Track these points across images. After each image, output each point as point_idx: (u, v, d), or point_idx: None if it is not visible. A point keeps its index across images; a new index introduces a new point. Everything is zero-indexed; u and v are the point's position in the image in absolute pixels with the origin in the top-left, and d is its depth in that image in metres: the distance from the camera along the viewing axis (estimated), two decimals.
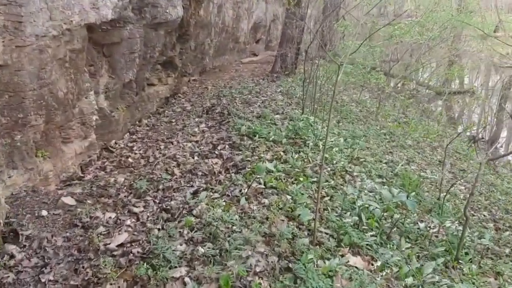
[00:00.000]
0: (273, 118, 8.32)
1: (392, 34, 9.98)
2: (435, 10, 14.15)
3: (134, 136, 7.62)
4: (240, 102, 9.51)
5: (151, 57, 8.38)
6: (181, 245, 3.85)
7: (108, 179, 5.46)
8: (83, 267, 3.57)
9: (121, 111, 7.48)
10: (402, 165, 7.66)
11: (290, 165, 6.04)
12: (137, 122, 8.47)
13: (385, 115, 11.87)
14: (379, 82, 11.05)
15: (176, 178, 5.57)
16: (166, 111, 9.35)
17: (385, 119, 11.52)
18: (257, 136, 7.05)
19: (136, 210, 4.55)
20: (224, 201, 4.72)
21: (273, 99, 9.90)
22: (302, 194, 5.16)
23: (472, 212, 6.49)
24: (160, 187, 5.19)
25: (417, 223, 5.24)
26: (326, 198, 5.32)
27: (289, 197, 5.06)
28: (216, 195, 4.86)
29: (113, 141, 7.07)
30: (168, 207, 4.59)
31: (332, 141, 7.36)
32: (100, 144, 6.90)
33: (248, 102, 9.52)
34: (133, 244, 3.87)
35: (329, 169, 6.34)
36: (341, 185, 5.94)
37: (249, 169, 5.69)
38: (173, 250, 3.73)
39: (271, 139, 6.97)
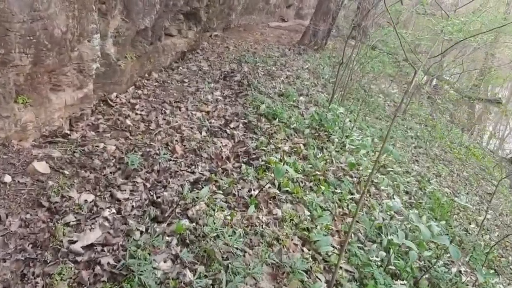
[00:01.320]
0: (297, 99, 7.28)
1: (444, 29, 8.74)
2: (485, 10, 12.78)
3: (139, 91, 6.60)
4: (262, 73, 8.43)
5: (174, 4, 7.26)
6: (165, 261, 2.93)
7: (96, 144, 4.48)
8: (33, 273, 2.66)
9: (130, 61, 6.43)
10: (430, 181, 6.71)
11: (310, 165, 5.07)
12: (146, 75, 7.43)
13: (412, 113, 10.78)
14: (417, 80, 9.87)
15: (177, 157, 4.59)
16: (180, 67, 8.28)
17: (412, 118, 10.44)
18: (277, 119, 6.03)
19: (120, 195, 3.60)
20: (229, 204, 3.77)
21: (298, 76, 8.80)
22: (322, 208, 4.22)
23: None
24: (155, 167, 4.22)
25: (449, 267, 4.32)
26: (349, 219, 4.38)
27: (307, 212, 4.11)
28: (220, 193, 3.90)
29: (115, 93, 6.06)
30: (160, 199, 3.64)
31: (359, 140, 6.35)
32: (99, 95, 5.90)
33: (271, 75, 8.44)
34: (104, 249, 2.94)
35: (353, 174, 5.38)
36: (366, 198, 5.00)
37: (263, 162, 4.72)
38: (154, 268, 2.81)
39: (292, 126, 5.96)
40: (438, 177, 7.38)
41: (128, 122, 5.28)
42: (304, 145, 5.63)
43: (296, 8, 19.98)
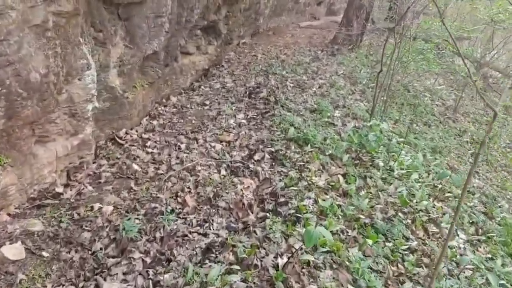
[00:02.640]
0: (332, 114, 6.25)
1: (494, 17, 7.43)
2: None
3: (154, 122, 5.80)
4: (291, 85, 7.44)
5: (187, 21, 6.41)
6: None
7: (91, 204, 3.68)
8: None
9: (140, 90, 5.64)
10: (495, 199, 5.52)
11: (352, 205, 4.06)
12: (163, 100, 6.64)
13: (464, 111, 9.43)
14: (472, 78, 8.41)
15: (187, 212, 3.72)
16: (202, 87, 7.44)
17: (464, 118, 9.12)
18: (309, 145, 5.05)
19: (106, 286, 2.77)
20: (248, 285, 2.84)
21: (332, 84, 7.74)
22: (371, 269, 3.22)
23: None
24: (159, 233, 3.36)
25: None
26: (403, 279, 3.35)
27: (349, 277, 3.13)
28: (237, 268, 2.98)
29: (124, 129, 5.29)
30: (159, 285, 2.78)
31: (408, 158, 5.25)
32: (106, 134, 5.15)
33: (302, 86, 7.43)
34: None
35: (406, 211, 4.32)
36: (424, 243, 3.94)
37: (293, 211, 3.77)
38: None
39: (328, 152, 4.96)
40: (503, 190, 6.14)
41: (135, 166, 4.46)
42: (344, 175, 4.62)
43: (328, 4, 18.77)
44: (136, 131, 5.39)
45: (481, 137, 7.91)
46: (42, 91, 3.65)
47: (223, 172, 4.47)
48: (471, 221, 4.68)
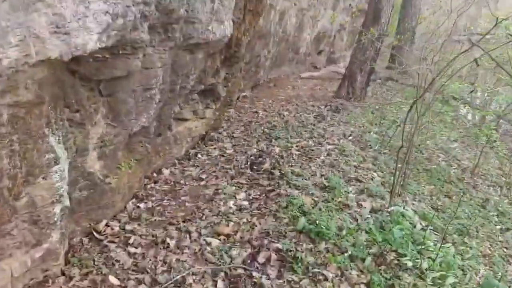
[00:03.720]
0: (346, 191, 5.44)
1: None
2: None
3: (141, 205, 4.98)
4: (297, 153, 6.66)
5: (182, 88, 5.69)
6: None
7: None
8: None
9: (125, 171, 4.84)
10: None
11: None
12: (154, 174, 5.85)
13: (483, 172, 8.62)
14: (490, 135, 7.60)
15: None
16: (199, 155, 6.67)
17: (483, 181, 8.29)
18: (324, 241, 4.20)
19: None
20: None
21: (341, 151, 6.96)
22: None
23: None
24: None
25: None
26: None
27: None
28: None
29: (104, 221, 4.45)
30: None
31: (438, 255, 4.37)
32: (83, 228, 4.32)
33: (308, 154, 6.65)
34: None
35: None
36: None
37: None
38: None
39: (347, 253, 4.10)
40: None
41: (112, 279, 3.59)
42: (367, 284, 3.74)
43: (328, 53, 18.39)
44: (119, 222, 4.55)
45: (504, 206, 7.08)
46: None
47: (220, 285, 3.60)
48: None
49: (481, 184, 7.96)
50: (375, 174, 6.33)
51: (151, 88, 4.68)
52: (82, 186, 4.19)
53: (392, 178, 6.22)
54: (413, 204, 5.74)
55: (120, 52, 3.90)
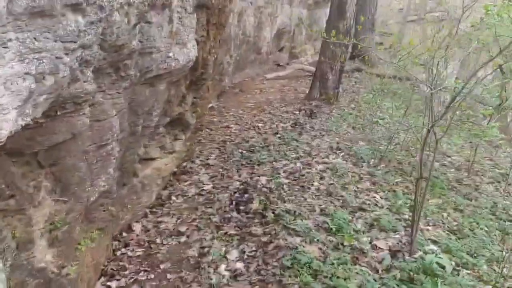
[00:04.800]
0: (355, 229, 4.58)
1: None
2: None
3: (112, 286, 3.94)
4: (286, 181, 5.76)
5: (145, 127, 4.65)
6: None
7: None
8: None
9: (87, 248, 3.78)
10: None
11: None
12: (123, 234, 4.80)
13: (478, 169, 7.97)
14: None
15: None
16: (173, 196, 5.67)
17: (481, 178, 7.63)
18: None
19: None
20: None
21: (334, 171, 6.10)
22: None
23: None
24: None
25: None
26: None
27: None
28: None
29: None
30: None
31: None
32: None
33: (299, 181, 5.76)
34: None
35: None
36: None
37: None
38: None
39: None
40: None
41: None
42: None
43: (289, 48, 17.52)
44: None
45: None
46: None
47: None
48: None
49: (480, 183, 7.31)
50: (377, 196, 5.52)
51: (107, 144, 3.64)
52: (34, 285, 3.13)
53: (398, 201, 5.44)
54: (428, 230, 4.96)
55: (59, 113, 2.84)
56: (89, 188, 3.56)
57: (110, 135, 3.64)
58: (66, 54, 2.39)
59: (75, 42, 2.42)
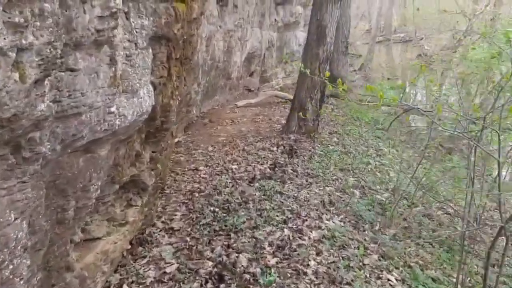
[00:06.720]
0: None
1: None
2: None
3: None
4: (274, 260, 4.39)
5: (80, 208, 3.19)
6: None
7: None
8: None
9: None
10: None
11: None
12: None
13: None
14: None
15: None
16: (125, 285, 4.17)
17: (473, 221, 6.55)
18: None
19: None
20: None
21: (332, 242, 4.80)
22: None
23: None
24: None
25: None
26: None
27: None
28: None
29: None
30: None
31: None
32: None
33: (291, 260, 4.40)
34: None
35: None
36: None
37: None
38: None
39: None
40: None
41: None
42: None
43: (260, 72, 16.34)
44: None
45: None
46: None
47: None
48: None
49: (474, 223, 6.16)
50: (392, 278, 4.23)
51: (5, 266, 2.18)
52: None
53: (419, 286, 4.18)
54: None
55: None
56: None
57: (6, 253, 2.19)
58: None
59: None
